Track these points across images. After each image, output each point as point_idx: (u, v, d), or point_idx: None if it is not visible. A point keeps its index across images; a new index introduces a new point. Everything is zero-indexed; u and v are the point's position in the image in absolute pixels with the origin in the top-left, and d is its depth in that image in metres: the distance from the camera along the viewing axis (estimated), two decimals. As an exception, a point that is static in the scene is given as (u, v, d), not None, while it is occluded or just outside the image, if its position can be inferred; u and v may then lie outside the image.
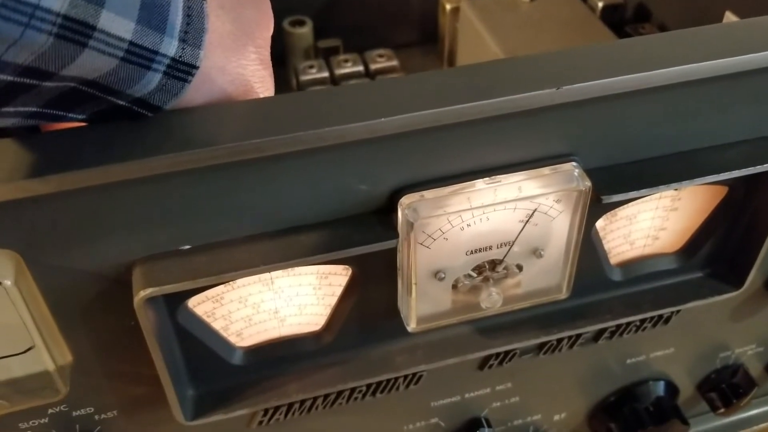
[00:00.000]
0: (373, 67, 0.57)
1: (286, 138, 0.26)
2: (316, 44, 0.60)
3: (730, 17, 0.41)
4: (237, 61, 0.28)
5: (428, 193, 0.30)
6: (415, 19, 0.65)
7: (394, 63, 0.57)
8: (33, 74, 0.22)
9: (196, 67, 0.25)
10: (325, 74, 0.56)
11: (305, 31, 0.59)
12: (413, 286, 0.33)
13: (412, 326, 0.34)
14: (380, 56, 0.57)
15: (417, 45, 0.66)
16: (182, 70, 0.25)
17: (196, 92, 0.26)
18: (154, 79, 0.24)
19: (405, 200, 0.30)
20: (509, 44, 0.51)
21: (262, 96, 0.29)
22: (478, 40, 0.53)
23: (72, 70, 0.22)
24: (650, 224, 0.37)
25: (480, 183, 0.31)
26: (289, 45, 0.60)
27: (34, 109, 0.24)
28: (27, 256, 0.27)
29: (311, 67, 0.56)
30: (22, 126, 0.25)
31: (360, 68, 0.56)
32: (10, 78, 0.22)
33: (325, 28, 0.61)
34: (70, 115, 0.25)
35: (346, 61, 0.57)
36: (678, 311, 0.41)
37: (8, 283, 0.27)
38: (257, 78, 0.29)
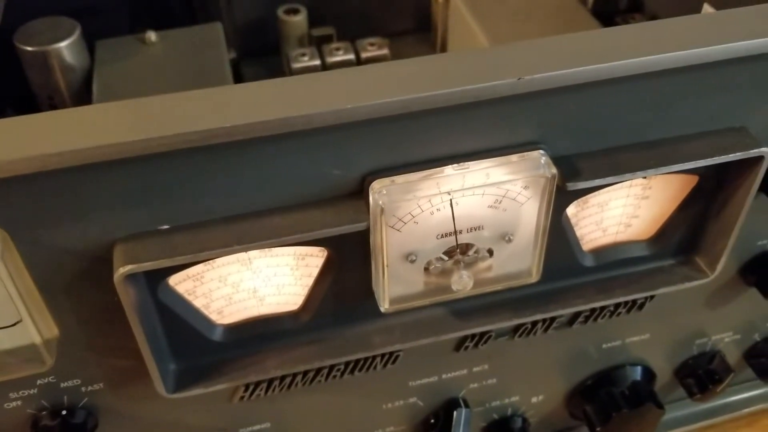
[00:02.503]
0: (363, 55, 0.58)
1: (255, 124, 0.27)
2: (310, 32, 0.61)
3: (707, 9, 0.42)
4: None
5: (398, 178, 0.31)
6: (410, 8, 0.66)
7: (385, 51, 0.58)
8: None
9: None
10: (317, 62, 0.56)
11: (299, 20, 0.60)
12: (385, 268, 0.34)
13: (385, 307, 0.35)
14: (371, 45, 0.58)
15: (411, 34, 0.67)
16: None
17: None
18: None
19: (376, 185, 0.31)
20: (497, 34, 0.51)
21: None
22: (466, 29, 0.53)
23: None
24: (622, 212, 0.38)
25: (449, 169, 0.32)
26: (283, 33, 0.61)
27: None
28: (12, 232, 0.29)
29: (303, 55, 0.57)
30: None
31: (351, 56, 0.57)
32: None
33: (319, 16, 0.62)
34: None
35: (338, 49, 0.57)
36: (652, 297, 0.42)
37: (-5, 258, 0.29)
38: None
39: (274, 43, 0.61)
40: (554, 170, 0.32)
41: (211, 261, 0.33)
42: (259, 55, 0.61)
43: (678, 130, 0.34)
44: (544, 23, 0.52)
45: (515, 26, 0.52)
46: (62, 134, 0.27)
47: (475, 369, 0.43)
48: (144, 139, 0.27)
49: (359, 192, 0.32)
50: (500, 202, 0.33)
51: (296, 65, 0.56)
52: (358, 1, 0.65)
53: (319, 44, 0.59)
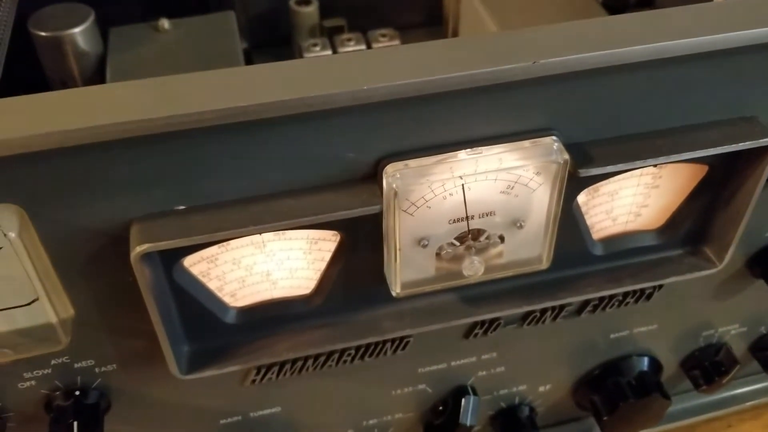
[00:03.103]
0: (375, 46, 0.58)
1: (273, 103, 0.27)
2: (322, 23, 0.61)
3: None
4: None
5: (412, 162, 0.32)
6: (421, 1, 0.66)
7: (397, 43, 0.58)
8: None
9: None
10: (329, 52, 0.57)
11: (311, 11, 0.60)
12: (398, 252, 0.34)
13: (396, 291, 0.36)
14: (383, 36, 0.58)
15: (422, 26, 0.67)
16: None
17: None
18: None
19: (389, 168, 0.31)
20: (509, 26, 0.52)
21: None
22: (478, 21, 0.54)
23: None
24: (632, 201, 0.39)
25: (462, 153, 0.32)
26: (295, 24, 0.61)
27: None
28: (30, 210, 0.29)
29: (315, 45, 0.57)
30: None
31: (363, 47, 0.58)
32: None
33: (331, 7, 0.62)
34: None
35: (350, 39, 0.58)
36: (660, 287, 0.42)
37: (12, 235, 0.29)
38: None
39: (286, 33, 0.61)
40: (566, 156, 0.32)
41: (225, 243, 0.33)
42: (270, 45, 0.62)
43: (689, 119, 0.35)
44: (556, 15, 0.53)
45: (527, 18, 0.52)
46: (81, 111, 0.27)
47: (483, 357, 0.44)
48: (162, 117, 0.27)
49: (373, 175, 0.32)
50: (512, 188, 0.33)
51: (308, 55, 0.56)
52: (369, -7, 0.65)
53: (330, 35, 0.60)
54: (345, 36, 0.59)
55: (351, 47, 0.58)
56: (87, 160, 0.28)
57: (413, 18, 0.68)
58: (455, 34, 0.63)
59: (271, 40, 0.62)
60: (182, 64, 0.46)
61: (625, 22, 0.31)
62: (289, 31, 0.62)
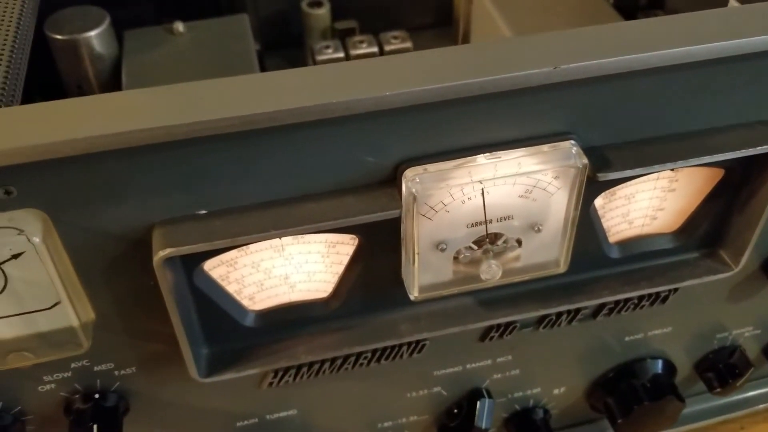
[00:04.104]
0: (387, 48, 0.58)
1: (296, 110, 0.27)
2: (333, 26, 0.62)
3: (733, 4, 0.42)
4: None
5: (431, 167, 0.32)
6: (430, 3, 0.66)
7: (408, 45, 0.58)
8: None
9: None
10: (341, 54, 0.57)
11: (323, 13, 0.60)
12: (416, 256, 0.34)
13: (414, 295, 0.36)
14: (395, 38, 0.59)
15: (432, 28, 0.67)
16: None
17: None
18: None
19: (409, 173, 0.32)
20: (521, 28, 0.52)
21: None
22: (490, 23, 0.54)
23: None
24: (648, 204, 0.39)
25: (481, 158, 0.32)
26: (307, 26, 0.61)
27: None
28: (54, 215, 0.29)
29: (327, 47, 0.57)
30: None
31: (375, 49, 0.58)
32: None
33: (342, 9, 0.62)
34: None
35: (362, 42, 0.58)
36: (675, 290, 0.42)
37: (37, 240, 0.29)
38: None
39: (297, 35, 0.62)
40: (585, 160, 0.32)
41: (245, 247, 0.33)
42: (281, 47, 0.62)
43: (708, 123, 0.35)
44: (569, 17, 0.53)
45: (540, 20, 0.52)
46: (105, 118, 0.27)
47: (499, 359, 0.44)
48: (185, 123, 0.27)
49: (391, 180, 0.32)
50: (531, 192, 0.33)
51: (320, 57, 0.56)
52: (379, -5, 0.65)
53: (342, 37, 0.60)
54: (357, 38, 0.59)
55: (363, 49, 0.58)
56: (111, 166, 0.28)
57: (424, 20, 0.68)
58: (466, 35, 0.63)
59: (282, 42, 0.62)
60: (197, 67, 0.47)
61: (645, 27, 0.31)
62: (301, 33, 0.62)
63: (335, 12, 0.62)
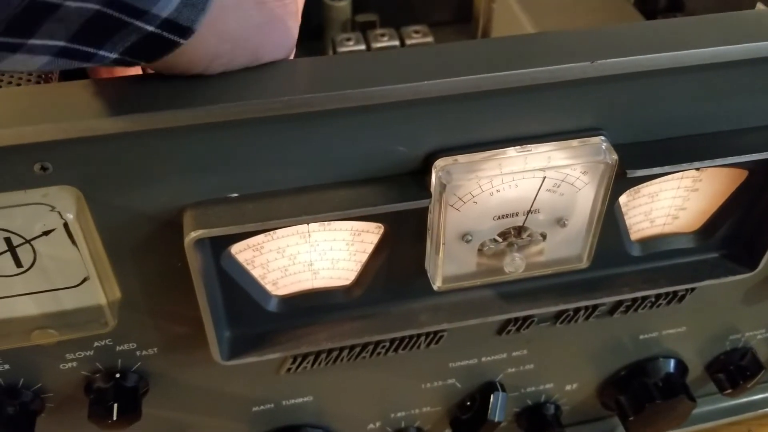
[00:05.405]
0: (408, 42, 0.58)
1: (335, 95, 0.27)
2: (354, 18, 0.62)
3: (761, 7, 0.43)
4: None
5: (462, 158, 0.32)
6: (451, -1, 0.67)
7: (430, 39, 0.59)
8: None
9: None
10: (362, 47, 0.57)
11: (344, 5, 0.61)
12: (441, 247, 0.34)
13: (437, 285, 0.36)
14: (416, 32, 0.59)
15: (451, 23, 0.67)
16: None
17: (222, 10, 0.26)
18: None
19: (439, 163, 0.32)
20: (544, 26, 0.52)
21: (288, 12, 0.29)
22: (513, 20, 0.54)
23: None
24: (671, 203, 0.39)
25: (511, 150, 0.32)
26: (327, 18, 0.61)
27: (61, 43, 0.23)
28: (87, 193, 0.30)
29: (348, 39, 0.57)
30: (55, 68, 0.24)
31: (396, 43, 0.58)
32: None
33: (362, 2, 0.63)
34: (100, 52, 0.24)
35: (383, 35, 0.58)
36: (692, 290, 0.42)
37: (70, 216, 0.29)
38: None
39: (317, 27, 0.62)
40: (615, 156, 0.32)
41: (272, 232, 0.34)
42: (301, 39, 0.62)
43: (736, 123, 0.35)
44: (591, 16, 0.53)
45: (562, 18, 0.53)
46: (142, 98, 0.27)
47: (514, 354, 0.44)
48: (223, 105, 0.27)
49: (421, 170, 0.32)
50: (558, 186, 0.34)
51: (341, 49, 0.57)
52: (400, -11, 0.65)
53: (362, 30, 0.60)
54: (378, 31, 0.59)
55: (384, 42, 0.58)
56: (146, 145, 0.28)
57: (441, 15, 0.68)
58: (485, 32, 0.63)
59: (302, 32, 0.62)
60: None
61: (678, 26, 0.32)
62: (321, 25, 0.62)
63: (355, 4, 0.62)
